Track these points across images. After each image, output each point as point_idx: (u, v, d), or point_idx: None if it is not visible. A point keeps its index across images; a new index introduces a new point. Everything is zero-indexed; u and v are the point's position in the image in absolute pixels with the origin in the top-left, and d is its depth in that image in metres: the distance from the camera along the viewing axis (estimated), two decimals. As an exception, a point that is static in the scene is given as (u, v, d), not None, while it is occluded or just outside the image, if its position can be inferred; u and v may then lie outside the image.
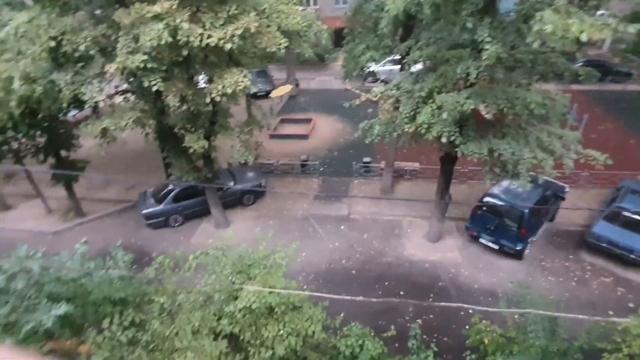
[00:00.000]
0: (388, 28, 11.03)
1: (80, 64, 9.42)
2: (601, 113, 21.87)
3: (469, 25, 7.56)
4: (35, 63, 8.81)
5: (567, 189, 13.93)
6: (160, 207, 14.43)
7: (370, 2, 12.26)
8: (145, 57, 8.27)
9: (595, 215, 13.44)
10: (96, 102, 9.11)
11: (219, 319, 5.57)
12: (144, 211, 14.38)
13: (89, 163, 14.69)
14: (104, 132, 9.90)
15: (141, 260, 7.65)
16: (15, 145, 13.36)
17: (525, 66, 9.55)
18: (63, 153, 13.88)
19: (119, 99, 11.21)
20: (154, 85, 8.62)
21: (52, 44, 8.69)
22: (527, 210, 11.98)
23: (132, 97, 11.30)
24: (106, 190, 17.11)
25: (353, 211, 15.22)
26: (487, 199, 12.84)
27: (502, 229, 12.48)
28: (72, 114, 15.51)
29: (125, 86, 11.55)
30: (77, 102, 10.95)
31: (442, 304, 10.63)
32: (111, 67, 8.45)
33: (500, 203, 12.51)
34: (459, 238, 13.61)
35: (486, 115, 8.45)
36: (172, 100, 10.19)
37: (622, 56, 27.25)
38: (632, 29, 5.76)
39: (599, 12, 7.67)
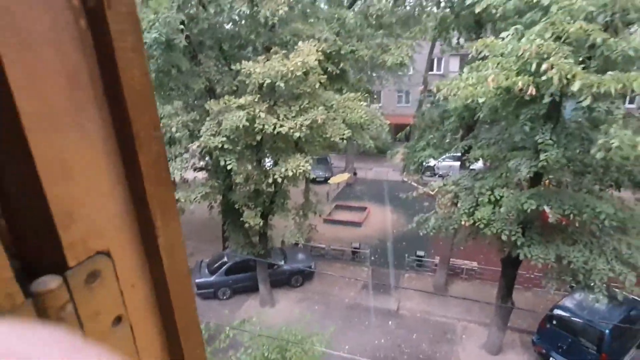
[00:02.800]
0: (452, 126, 11.54)
1: (167, 145, 10.89)
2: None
3: (526, 129, 7.71)
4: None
5: (657, 312, 12.01)
6: (212, 278, 14.80)
7: (438, 106, 13.01)
8: (224, 138, 9.41)
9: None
10: (173, 177, 10.45)
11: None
12: (197, 280, 14.80)
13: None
14: (176, 202, 10.94)
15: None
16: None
17: (596, 172, 9.20)
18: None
19: (194, 175, 12.50)
20: (229, 164, 9.61)
21: None
22: (608, 330, 10.40)
23: (205, 175, 12.55)
24: (166, 256, 18.06)
25: (402, 306, 14.30)
26: (557, 311, 11.45)
27: (577, 349, 10.83)
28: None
29: (201, 164, 12.94)
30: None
31: None
32: (194, 145, 9.72)
33: (573, 318, 11.06)
34: (523, 353, 11.98)
35: (550, 219, 8.06)
36: (238, 179, 11.17)
37: None
38: None
39: None
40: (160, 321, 0.52)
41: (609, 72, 5.58)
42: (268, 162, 12.11)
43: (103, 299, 0.42)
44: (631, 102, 17.60)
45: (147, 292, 0.50)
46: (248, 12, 9.42)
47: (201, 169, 12.95)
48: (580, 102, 5.69)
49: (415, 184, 14.56)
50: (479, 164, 11.41)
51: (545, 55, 5.34)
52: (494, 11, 7.57)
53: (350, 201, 24.34)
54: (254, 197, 11.57)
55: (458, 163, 14.98)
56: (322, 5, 11.53)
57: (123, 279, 0.45)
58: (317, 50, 9.12)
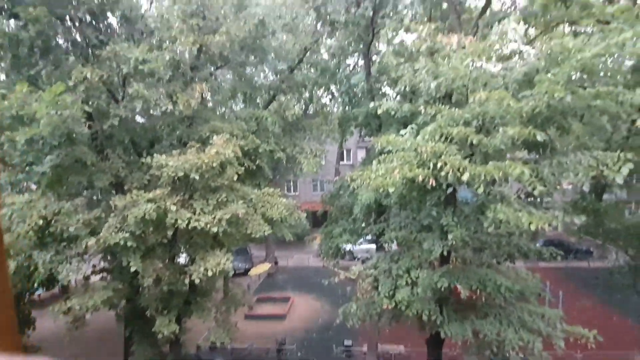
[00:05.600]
0: (362, 213, 12.21)
1: (63, 244, 9.54)
2: (575, 290, 22.34)
3: (433, 213, 8.54)
4: (20, 241, 8.92)
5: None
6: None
7: (345, 191, 13.87)
8: (127, 234, 8.60)
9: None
10: (69, 282, 9.01)
11: None
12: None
13: (39, 350, 12.99)
14: (69, 311, 9.28)
15: None
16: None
17: (491, 248, 10.30)
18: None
19: (94, 278, 10.96)
20: (132, 265, 8.69)
21: (40, 222, 8.99)
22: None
23: (108, 277, 11.08)
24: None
25: (336, 408, 13.18)
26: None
27: None
28: (38, 292, 14.67)
29: (103, 265, 11.47)
30: (49, 281, 10.62)
31: None
32: (91, 241, 8.63)
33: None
34: None
35: (461, 295, 8.62)
36: (146, 281, 10.07)
37: (577, 236, 29.66)
38: (577, 220, 6.67)
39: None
40: None
41: (491, 162, 6.68)
42: (184, 258, 11.25)
43: None
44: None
45: None
46: (171, 108, 9.51)
47: (103, 270, 11.43)
48: (476, 189, 6.61)
49: (336, 269, 14.65)
50: (394, 246, 12.03)
51: (439, 154, 6.27)
52: (392, 112, 8.78)
53: (273, 292, 23.27)
54: (167, 299, 10.36)
55: (374, 246, 15.64)
56: (238, 106, 12.30)
57: None
58: (234, 144, 9.35)
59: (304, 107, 17.88)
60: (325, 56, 15.72)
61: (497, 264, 10.32)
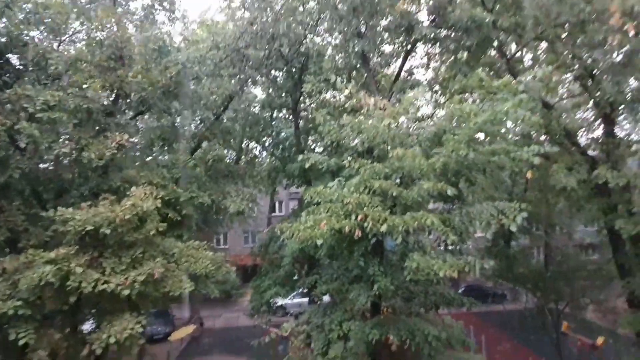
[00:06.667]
0: (289, 265, 11.98)
1: None
2: (495, 333, 23.55)
3: (361, 263, 8.67)
4: None
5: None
6: None
7: (274, 242, 13.60)
8: (20, 302, 7.42)
9: None
10: None
11: None
12: None
13: None
14: None
15: None
16: None
17: (419, 297, 10.61)
18: None
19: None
20: (22, 338, 7.37)
21: None
22: None
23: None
24: None
25: None
26: None
27: None
28: None
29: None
30: None
31: None
32: None
33: None
34: None
35: (392, 347, 8.59)
36: (39, 355, 8.45)
37: (493, 280, 31.89)
38: (486, 265, 7.18)
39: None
40: None
41: (408, 213, 7.10)
42: (89, 326, 9.80)
43: None
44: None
45: None
46: (78, 155, 8.73)
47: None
48: (395, 239, 6.93)
49: (267, 327, 13.87)
50: (327, 298, 11.83)
51: (363, 206, 6.55)
52: (319, 166, 9.06)
53: (197, 358, 21.06)
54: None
55: (307, 299, 15.24)
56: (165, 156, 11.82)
57: None
58: (155, 196, 8.76)
59: (235, 157, 17.77)
60: (257, 109, 16.06)
61: (425, 313, 10.59)
